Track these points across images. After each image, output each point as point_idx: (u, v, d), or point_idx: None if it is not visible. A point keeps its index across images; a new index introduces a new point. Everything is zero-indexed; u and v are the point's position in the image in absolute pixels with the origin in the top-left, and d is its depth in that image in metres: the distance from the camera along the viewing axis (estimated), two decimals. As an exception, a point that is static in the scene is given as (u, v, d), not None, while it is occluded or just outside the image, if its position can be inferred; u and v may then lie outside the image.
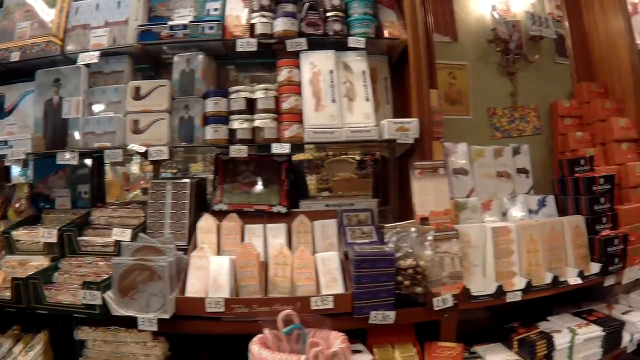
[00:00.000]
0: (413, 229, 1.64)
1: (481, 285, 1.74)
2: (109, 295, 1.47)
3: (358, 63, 1.88)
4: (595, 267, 1.91)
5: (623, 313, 1.99)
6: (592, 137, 2.39)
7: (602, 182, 1.98)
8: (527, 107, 2.51)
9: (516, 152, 2.23)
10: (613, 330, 1.84)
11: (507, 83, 2.49)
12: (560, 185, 2.13)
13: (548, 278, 1.80)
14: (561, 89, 2.59)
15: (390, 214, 2.02)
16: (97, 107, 1.85)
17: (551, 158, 2.46)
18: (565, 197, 2.09)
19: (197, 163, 2.52)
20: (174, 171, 2.45)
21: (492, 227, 1.78)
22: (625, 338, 1.89)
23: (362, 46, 1.85)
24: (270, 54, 1.94)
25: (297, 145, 1.92)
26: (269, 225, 1.77)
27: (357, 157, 2.18)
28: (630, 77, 2.38)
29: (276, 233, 1.74)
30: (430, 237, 1.63)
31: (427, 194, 1.74)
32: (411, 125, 1.74)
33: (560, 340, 1.74)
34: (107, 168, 2.25)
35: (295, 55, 1.84)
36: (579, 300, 2.07)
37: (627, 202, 2.13)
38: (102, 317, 1.46)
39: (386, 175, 2.13)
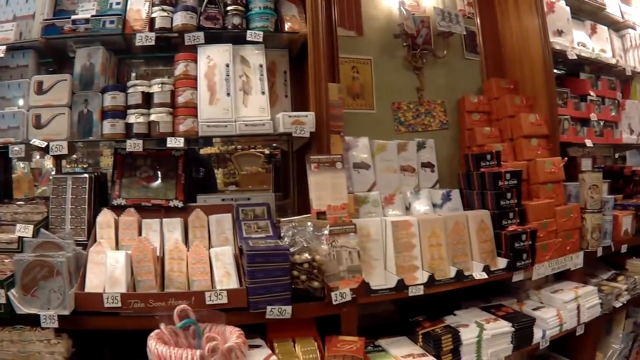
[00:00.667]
0: (309, 224, 2.01)
1: (382, 279, 2.16)
2: (13, 293, 1.72)
3: (255, 56, 2.28)
4: (502, 263, 2.40)
5: (534, 309, 2.50)
6: (501, 132, 2.97)
7: (508, 178, 2.50)
8: (433, 102, 3.05)
9: (421, 146, 2.74)
10: (523, 326, 2.32)
11: (413, 78, 3.02)
12: (466, 179, 2.65)
13: (452, 272, 2.25)
14: (470, 84, 3.19)
15: (290, 208, 2.42)
16: (1, 103, 2.17)
17: (458, 153, 3.02)
18: (471, 191, 2.60)
19: (108, 157, 2.85)
20: (85, 166, 2.75)
21: (392, 221, 2.21)
22: (537, 334, 2.39)
23: (260, 40, 2.25)
24: (171, 48, 2.32)
25: (207, 139, 2.28)
26: (165, 220, 2.13)
27: (266, 152, 2.58)
28: (541, 74, 3.01)
29: (172, 227, 2.10)
30: (326, 232, 2.01)
31: (324, 188, 2.14)
32: (307, 119, 2.14)
33: (468, 335, 2.18)
34: (18, 164, 2.52)
35: (194, 49, 2.22)
36: (489, 295, 2.58)
37: (536, 198, 2.69)
38: (7, 316, 1.70)
39: (287, 169, 2.55)
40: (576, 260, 2.75)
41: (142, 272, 1.85)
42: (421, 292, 2.14)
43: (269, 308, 1.83)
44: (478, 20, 3.30)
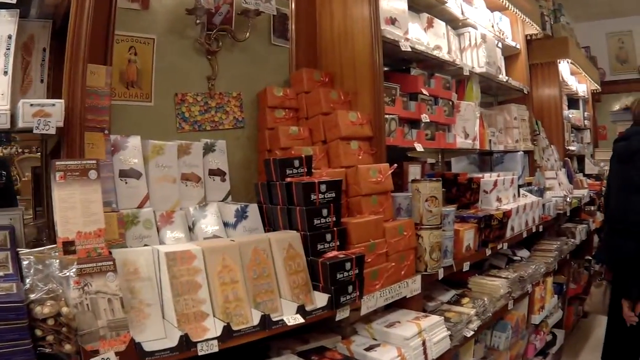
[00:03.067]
0: (55, 260, 1.63)
1: (162, 331, 1.80)
2: None
3: (5, 25, 1.86)
4: (321, 299, 2.14)
5: (367, 349, 2.30)
6: (312, 133, 2.79)
7: (323, 190, 2.27)
8: (227, 94, 2.80)
9: (210, 149, 2.48)
10: (355, 376, 2.10)
11: (204, 64, 2.74)
12: (267, 191, 2.39)
13: (256, 318, 1.94)
14: (276, 75, 3.01)
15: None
16: None
17: (257, 158, 2.82)
18: (274, 206, 2.35)
19: None
20: None
21: (167, 253, 1.85)
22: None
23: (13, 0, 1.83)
24: None
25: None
26: None
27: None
28: (367, 66, 2.86)
29: None
30: (73, 271, 1.62)
31: (72, 206, 1.73)
32: (54, 109, 1.75)
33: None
34: None
35: None
36: (307, 331, 2.33)
37: (359, 214, 2.50)
38: None
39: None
40: (413, 286, 2.61)
41: None
42: (215, 349, 1.80)
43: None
44: (293, 2, 3.11)
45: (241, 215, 2.37)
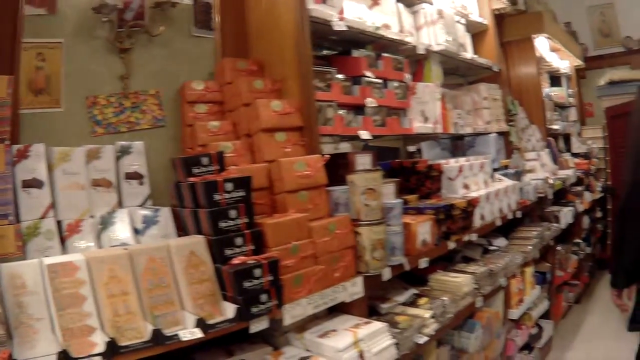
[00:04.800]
0: None
1: (53, 347, 1.61)
2: None
3: None
4: (230, 310, 1.88)
5: None
6: (236, 127, 2.53)
7: (230, 188, 2.01)
8: (144, 92, 2.59)
9: (125, 151, 2.29)
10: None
11: (117, 63, 2.54)
12: (177, 193, 2.17)
13: (149, 332, 1.70)
14: (201, 69, 2.78)
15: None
16: None
17: None
18: (183, 209, 2.12)
19: None
20: None
21: (49, 265, 1.69)
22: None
23: None
24: None
25: None
26: None
27: None
28: (292, 50, 2.59)
29: None
30: None
31: None
32: None
33: None
34: None
35: None
36: (236, 341, 2.13)
37: (283, 213, 2.20)
38: None
39: None
40: (352, 290, 2.31)
41: None
42: (100, 366, 1.58)
43: None
44: (216, -12, 2.86)
45: (151, 220, 2.18)
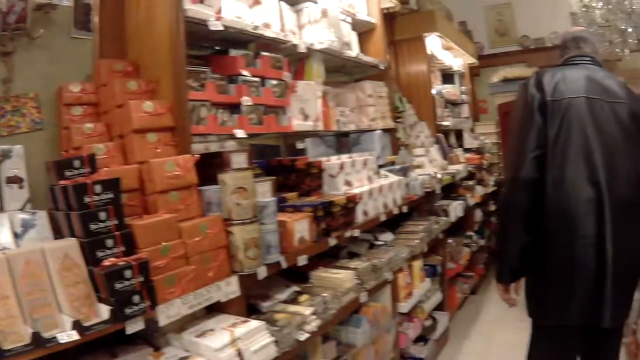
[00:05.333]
0: None
1: None
2: None
3: None
4: (104, 312, 1.96)
5: None
6: (110, 129, 2.61)
7: (99, 190, 2.08)
8: (24, 96, 2.62)
9: (6, 156, 2.32)
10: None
11: (0, 67, 2.57)
12: (52, 196, 2.24)
13: (29, 335, 1.76)
14: (78, 70, 2.83)
15: None
16: None
17: None
18: (58, 212, 2.18)
19: None
20: None
21: None
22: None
23: None
24: None
25: None
26: None
27: None
28: (166, 50, 2.68)
29: None
30: None
31: None
32: None
33: None
34: None
35: None
36: (120, 343, 2.20)
37: (155, 214, 2.31)
38: None
39: None
40: (228, 289, 2.43)
41: None
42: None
43: None
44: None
45: (29, 224, 2.23)
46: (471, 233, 6.55)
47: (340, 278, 3.11)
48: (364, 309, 3.44)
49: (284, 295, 2.92)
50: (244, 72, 3.10)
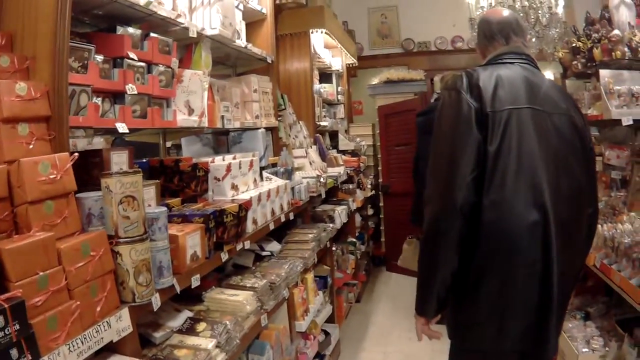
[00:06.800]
0: None
1: None
2: None
3: None
4: None
5: None
6: None
7: None
8: None
9: None
10: None
11: None
12: None
13: None
14: None
15: None
16: None
17: None
18: None
19: None
20: None
21: None
22: None
23: None
24: None
25: None
26: None
27: None
28: (48, 22, 2.16)
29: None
30: None
31: None
32: None
33: None
34: None
35: None
36: None
37: (27, 231, 1.81)
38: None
39: None
40: (119, 325, 1.97)
41: None
42: None
43: None
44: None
45: None
46: (353, 239, 6.36)
47: (239, 301, 2.71)
48: (265, 332, 3.09)
49: (177, 322, 2.50)
50: (131, 54, 2.61)
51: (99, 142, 3.67)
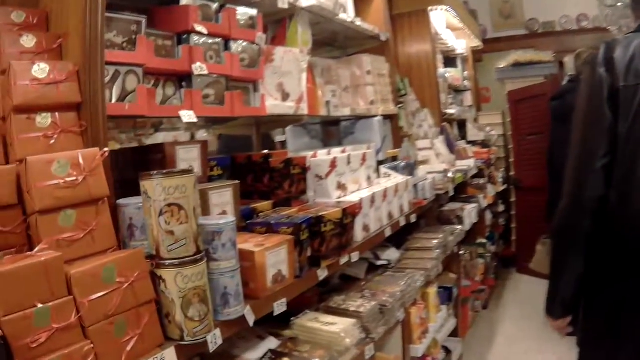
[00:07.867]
0: None
1: None
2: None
3: None
4: None
5: None
6: None
7: None
8: None
9: None
10: None
11: None
12: None
13: None
14: None
15: None
16: None
17: None
18: None
19: None
20: None
21: None
22: None
23: None
24: None
25: None
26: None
27: None
28: None
29: None
30: None
31: None
32: None
33: None
34: None
35: None
36: None
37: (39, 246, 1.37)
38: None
39: None
40: (157, 371, 1.45)
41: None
42: None
43: None
44: None
45: None
46: (483, 240, 5.70)
47: (336, 332, 2.16)
48: (369, 366, 2.51)
49: (255, 355, 2.00)
50: (199, 28, 2.13)
51: (202, 137, 3.34)
